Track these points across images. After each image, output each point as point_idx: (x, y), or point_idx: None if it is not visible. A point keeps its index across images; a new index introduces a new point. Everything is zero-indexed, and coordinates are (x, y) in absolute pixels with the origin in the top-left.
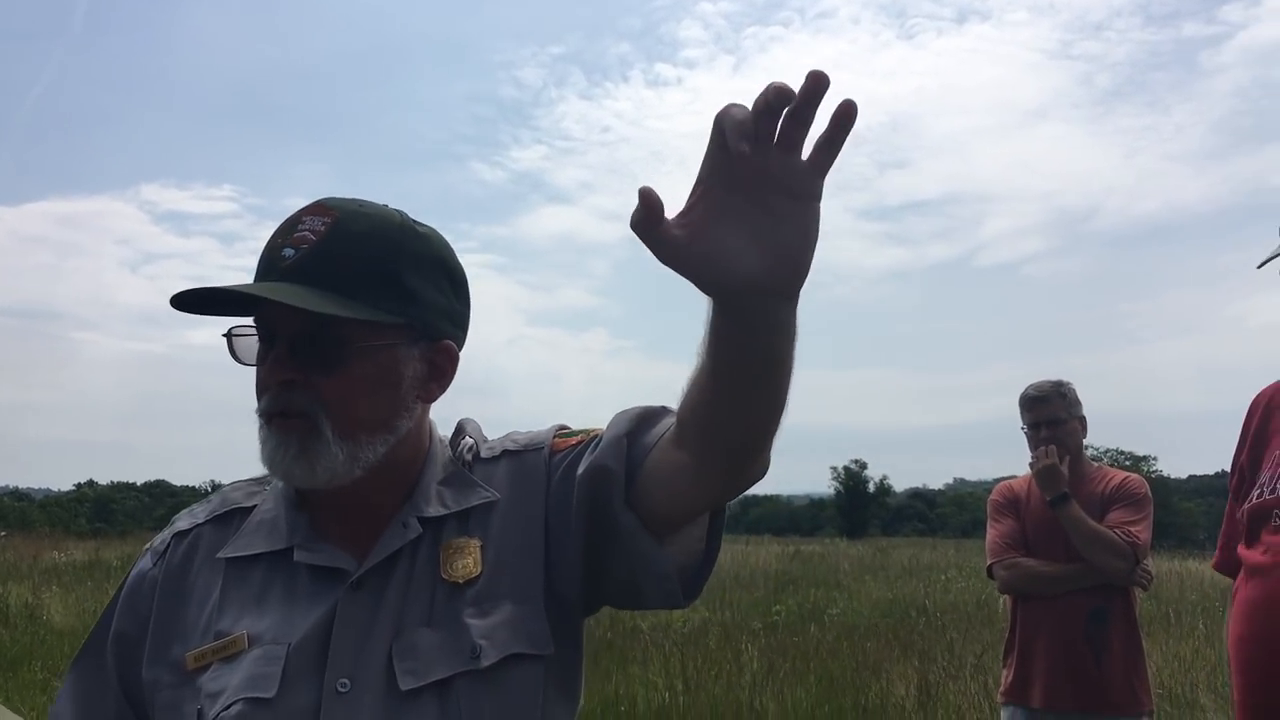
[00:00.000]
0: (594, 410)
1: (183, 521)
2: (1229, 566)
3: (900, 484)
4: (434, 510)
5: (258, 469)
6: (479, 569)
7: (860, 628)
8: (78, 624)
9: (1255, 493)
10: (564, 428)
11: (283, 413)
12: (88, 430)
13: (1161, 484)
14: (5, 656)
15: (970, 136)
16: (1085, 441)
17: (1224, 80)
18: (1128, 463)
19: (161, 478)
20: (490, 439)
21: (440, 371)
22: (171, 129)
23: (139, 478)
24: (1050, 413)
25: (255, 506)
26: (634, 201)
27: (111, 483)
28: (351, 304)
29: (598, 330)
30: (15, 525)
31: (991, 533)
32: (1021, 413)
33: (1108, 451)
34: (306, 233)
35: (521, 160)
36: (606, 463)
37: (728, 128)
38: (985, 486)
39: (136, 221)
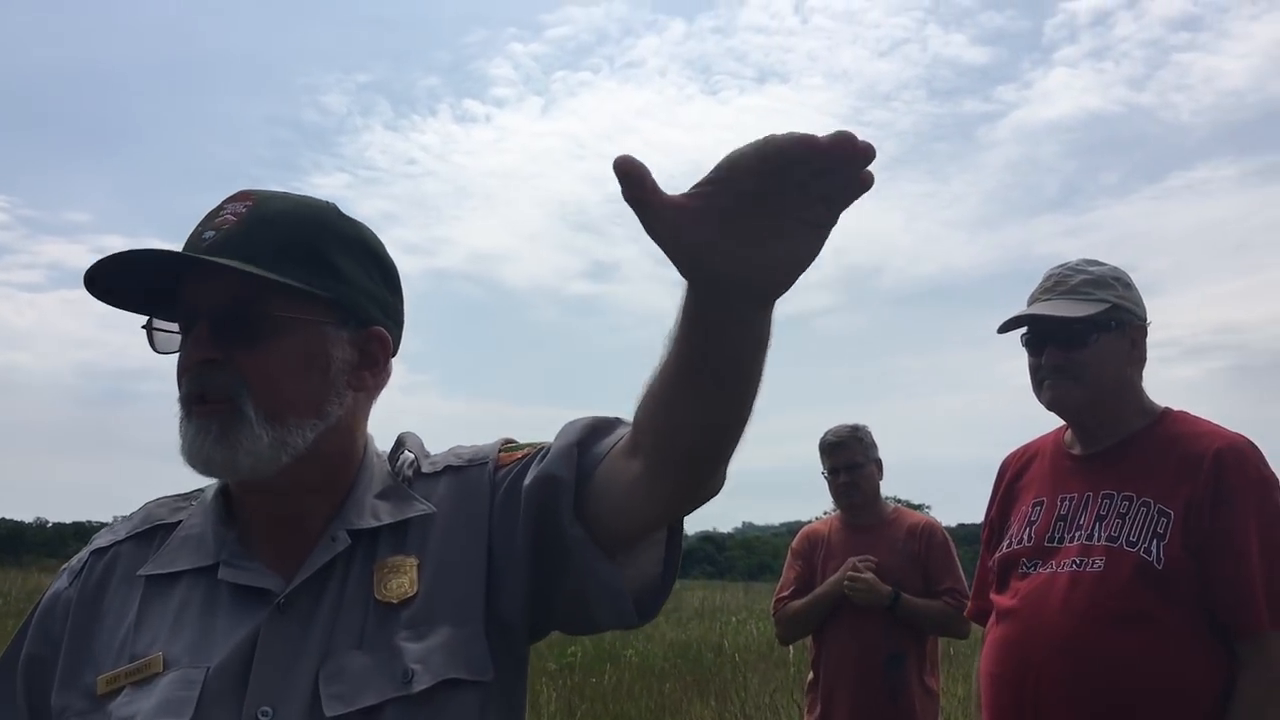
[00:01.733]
0: (386, 445)
1: (101, 539)
2: (982, 615)
3: (691, 527)
4: (366, 523)
5: (17, 496)
6: (415, 589)
7: (656, 669)
8: None
9: (1005, 543)
10: (509, 441)
11: (203, 397)
12: None
13: None
14: None
15: None
16: None
17: (997, 155)
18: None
19: None
20: (433, 454)
21: (372, 359)
22: None
23: None
24: (848, 458)
25: (180, 522)
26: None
27: None
28: (274, 272)
29: (393, 363)
30: None
31: (779, 583)
32: (821, 458)
33: (887, 499)
34: (227, 215)
35: (323, 187)
36: (556, 471)
37: (772, 146)
38: (773, 531)
39: None
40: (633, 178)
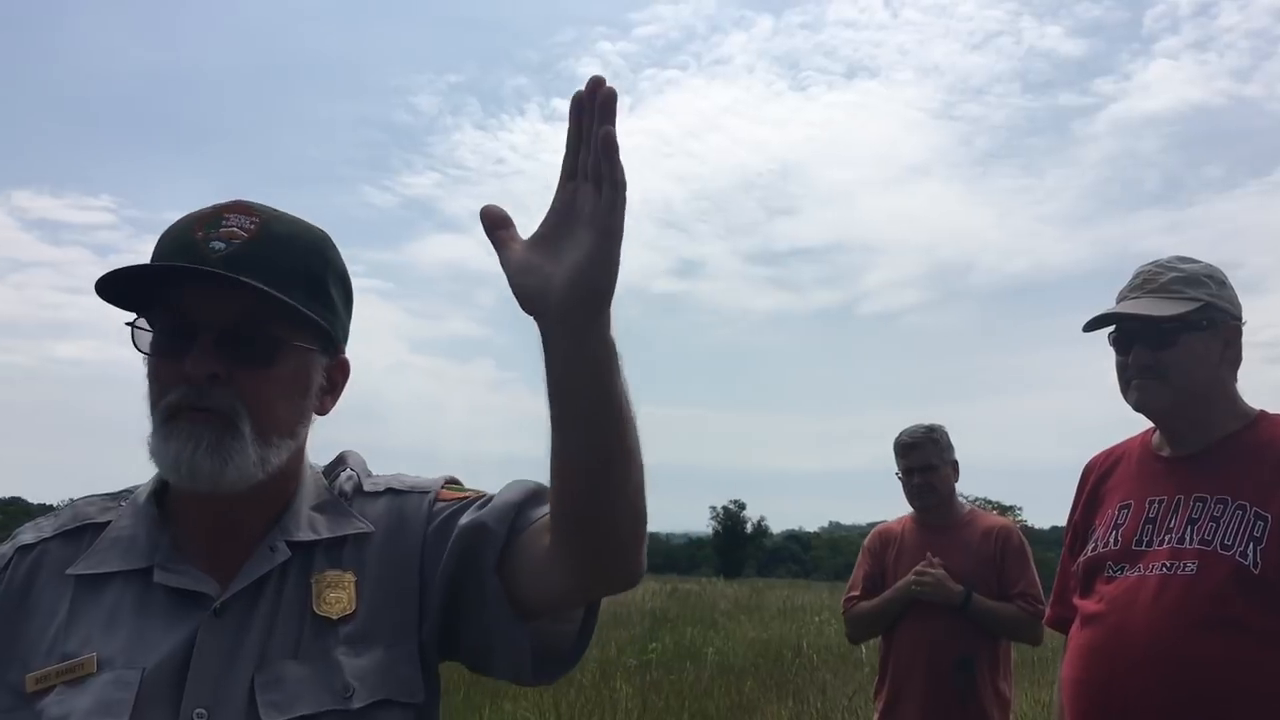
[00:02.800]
0: (475, 441)
1: (27, 535)
2: (1062, 622)
3: (777, 525)
4: (304, 535)
5: (123, 487)
6: (353, 606)
7: (736, 667)
8: None
9: (1090, 547)
10: (454, 481)
11: (196, 408)
12: None
13: (1026, 534)
14: None
15: (856, 187)
16: (956, 490)
17: (1094, 149)
18: (995, 512)
19: (17, 494)
20: (375, 474)
21: (333, 386)
22: (48, 134)
23: None
24: (923, 458)
25: (110, 522)
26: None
27: None
28: (288, 297)
29: (482, 361)
30: None
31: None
32: (896, 458)
33: (976, 500)
34: (235, 229)
35: (413, 186)
36: (490, 522)
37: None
38: (860, 530)
39: (4, 228)
40: (494, 219)
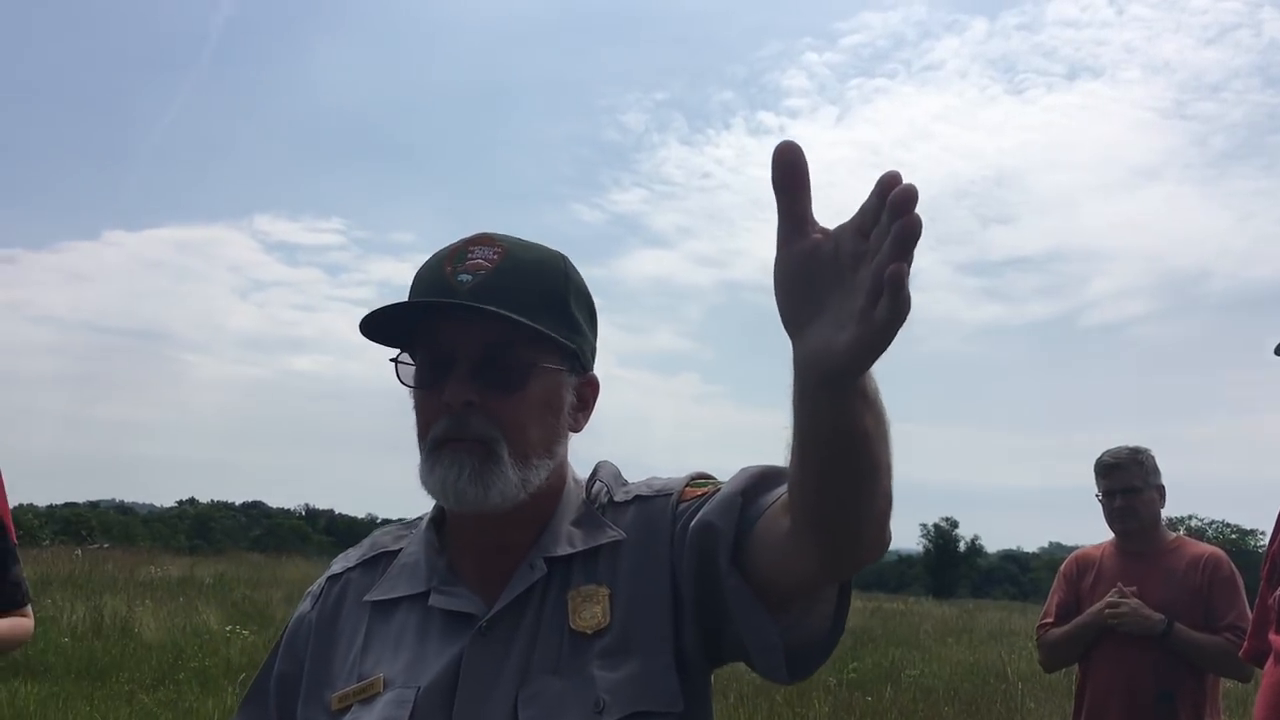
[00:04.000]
0: (681, 455)
1: (336, 565)
2: (1259, 656)
3: (992, 545)
4: (562, 550)
5: (352, 494)
6: (608, 619)
7: (937, 691)
8: (167, 639)
9: None
10: (701, 476)
11: (458, 438)
12: (192, 449)
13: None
14: (96, 666)
15: (1077, 194)
16: (1191, 513)
17: None
18: (1234, 535)
19: (259, 499)
20: (630, 483)
21: (585, 404)
22: (287, 161)
23: (237, 498)
24: (1126, 480)
25: (401, 550)
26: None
27: (211, 501)
28: (534, 322)
29: (688, 375)
30: (118, 539)
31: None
32: (1096, 479)
33: (1213, 524)
34: (479, 260)
35: (620, 203)
36: (714, 519)
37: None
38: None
39: (248, 250)
40: (786, 167)
